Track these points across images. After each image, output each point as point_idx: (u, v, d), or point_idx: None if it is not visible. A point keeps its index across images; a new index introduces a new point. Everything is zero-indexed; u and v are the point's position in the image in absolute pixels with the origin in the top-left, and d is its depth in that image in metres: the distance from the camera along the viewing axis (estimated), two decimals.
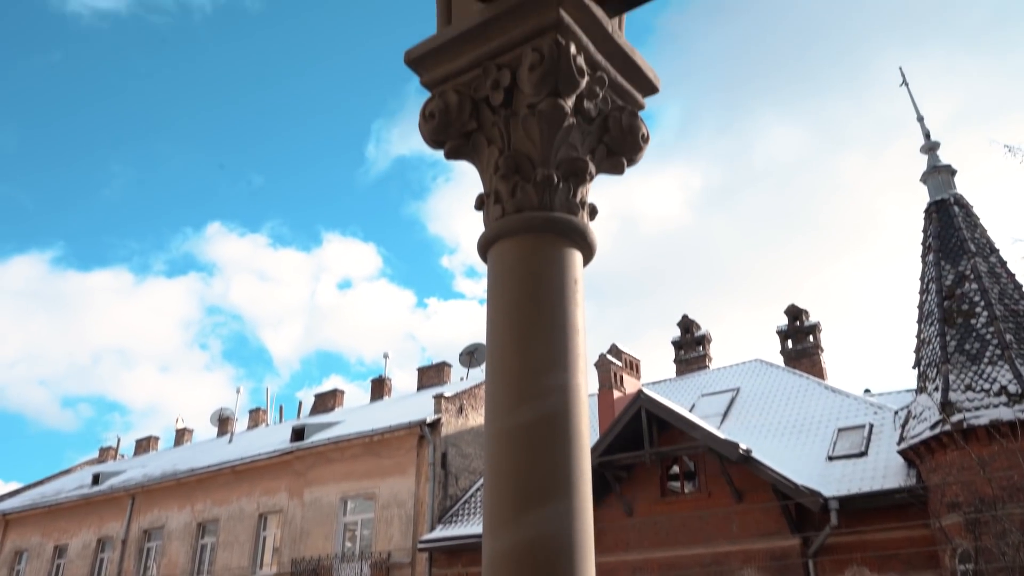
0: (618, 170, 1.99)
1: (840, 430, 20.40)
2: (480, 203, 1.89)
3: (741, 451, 17.82)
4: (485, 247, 1.82)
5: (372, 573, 22.56)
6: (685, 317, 30.05)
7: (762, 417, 22.81)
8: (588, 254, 1.82)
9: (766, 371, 25.95)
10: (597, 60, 1.90)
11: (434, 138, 1.94)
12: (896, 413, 19.72)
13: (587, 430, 1.61)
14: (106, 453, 44.03)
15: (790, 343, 27.57)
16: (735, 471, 18.39)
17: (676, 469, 20.32)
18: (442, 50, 1.94)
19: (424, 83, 1.99)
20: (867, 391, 26.12)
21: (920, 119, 19.96)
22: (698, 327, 30.03)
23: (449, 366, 33.41)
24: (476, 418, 25.52)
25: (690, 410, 22.58)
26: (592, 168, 1.88)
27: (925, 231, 18.65)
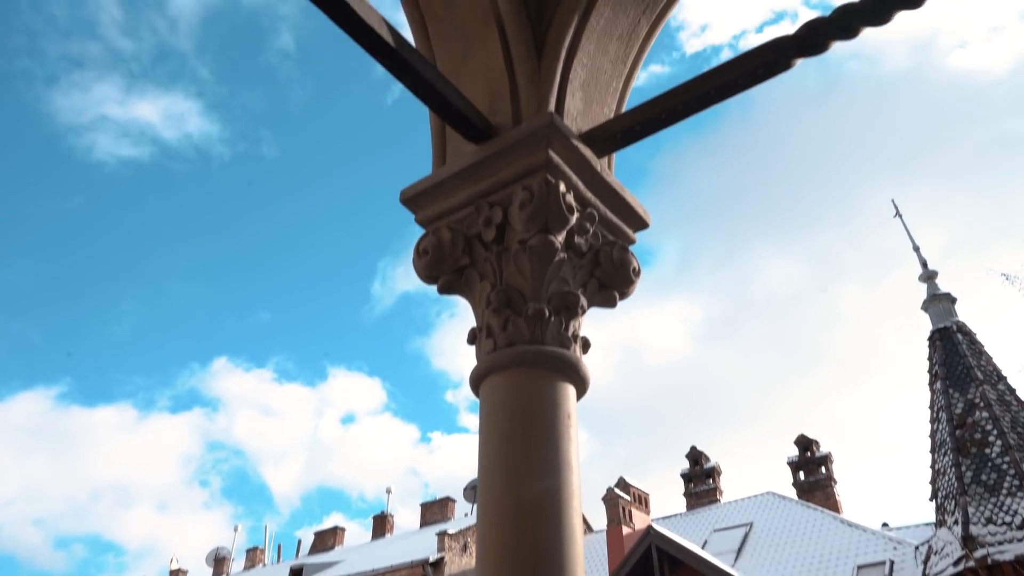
0: (610, 303, 1.99)
1: (860, 567, 19.53)
2: (472, 337, 1.88)
3: None
4: (477, 381, 1.79)
5: None
6: (694, 448, 29.45)
7: (778, 554, 21.89)
8: (581, 388, 1.79)
9: (779, 504, 25.14)
10: (587, 197, 1.95)
11: (428, 273, 1.96)
12: (917, 548, 18.93)
13: (581, 566, 1.53)
14: None
15: (802, 474, 26.86)
16: None
17: None
18: (436, 189, 1.99)
19: (418, 221, 2.03)
20: (885, 525, 25.20)
21: (916, 248, 20.30)
22: (707, 459, 29.38)
23: (453, 501, 32.45)
24: None
25: (702, 547, 21.72)
26: (584, 302, 1.88)
27: (931, 359, 18.56)
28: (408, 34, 2.17)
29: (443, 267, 1.91)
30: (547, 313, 1.77)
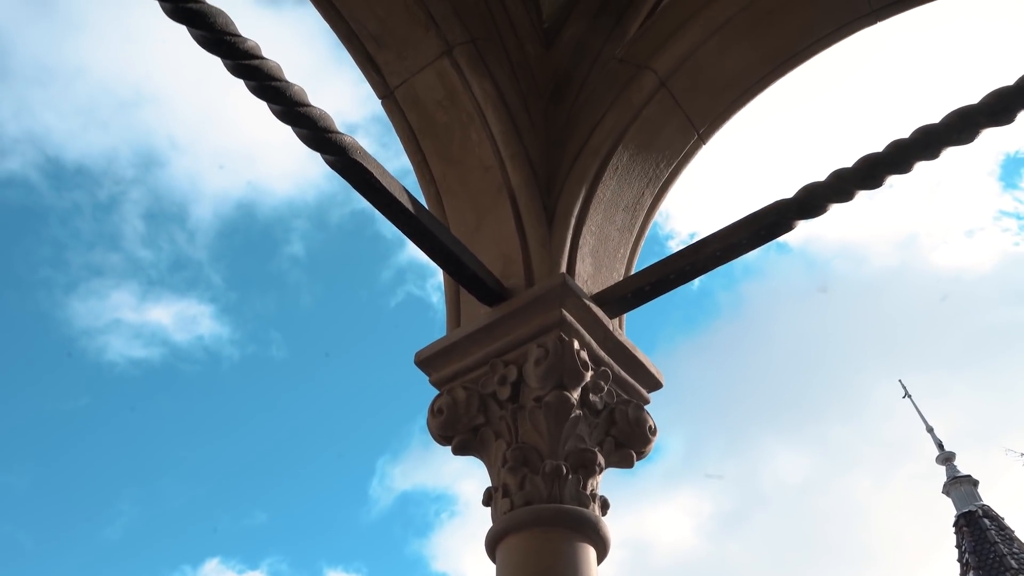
0: (627, 463, 1.94)
1: None
2: (488, 498, 1.82)
3: None
4: (493, 544, 1.72)
5: None
6: None
7: None
8: (602, 551, 1.71)
9: None
10: (600, 356, 1.96)
11: (442, 433, 1.94)
12: None
13: None
14: None
15: None
16: None
17: None
18: (451, 350, 2.01)
19: (433, 382, 2.04)
20: None
21: (930, 429, 19.91)
22: None
23: None
24: None
25: None
26: (601, 460, 1.84)
27: (959, 547, 17.67)
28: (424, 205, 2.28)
29: (458, 426, 1.89)
30: (564, 471, 1.72)
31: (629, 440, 1.92)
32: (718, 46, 2.29)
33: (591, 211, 2.15)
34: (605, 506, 1.81)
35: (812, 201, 1.74)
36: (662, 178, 2.36)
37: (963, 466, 19.17)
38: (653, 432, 1.95)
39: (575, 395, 1.83)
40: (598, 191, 2.17)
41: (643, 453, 1.96)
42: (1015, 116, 1.59)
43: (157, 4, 1.26)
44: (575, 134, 2.27)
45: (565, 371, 1.79)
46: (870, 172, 1.63)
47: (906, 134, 1.64)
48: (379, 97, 2.31)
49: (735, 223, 1.86)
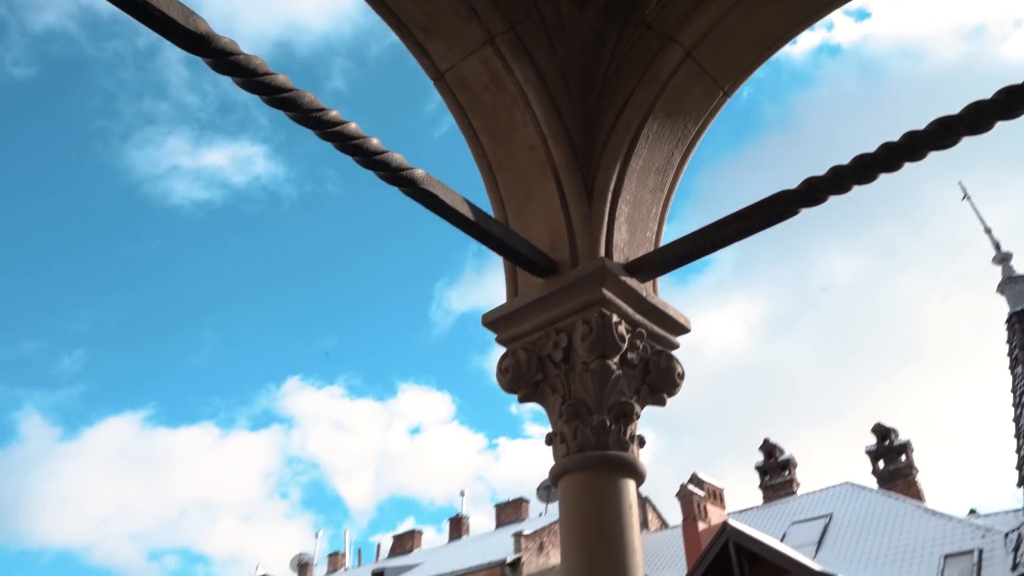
0: (660, 403, 2.36)
1: (947, 556, 19.19)
2: (549, 441, 2.28)
3: None
4: (556, 478, 2.20)
5: None
6: (767, 441, 29.24)
7: (860, 545, 21.64)
8: (640, 480, 2.18)
9: (859, 495, 24.79)
10: (636, 319, 2.32)
11: (509, 388, 2.37)
12: (1007, 536, 18.52)
13: None
14: None
15: (881, 464, 26.39)
16: None
17: None
18: (512, 316, 2.40)
19: (499, 341, 2.44)
20: (972, 512, 24.57)
21: (988, 230, 19.83)
22: (781, 451, 29.12)
23: (526, 502, 32.97)
24: (557, 556, 24.94)
25: (781, 539, 21.63)
26: (638, 409, 2.26)
27: (1010, 342, 18.15)
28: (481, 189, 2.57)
29: (521, 382, 2.32)
30: (608, 423, 2.15)
31: (661, 385, 2.33)
32: (742, 13, 2.41)
33: (625, 182, 2.42)
34: (642, 443, 2.25)
35: (812, 193, 1.99)
36: (689, 136, 2.57)
37: (1020, 267, 19.25)
38: (681, 377, 2.35)
39: (615, 359, 2.22)
40: (631, 162, 2.42)
41: (673, 393, 2.37)
42: None
43: None
44: (609, 107, 2.48)
45: (606, 344, 2.18)
46: (864, 170, 1.86)
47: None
48: (431, 79, 2.53)
49: (748, 208, 2.13)
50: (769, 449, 29.26)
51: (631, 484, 2.11)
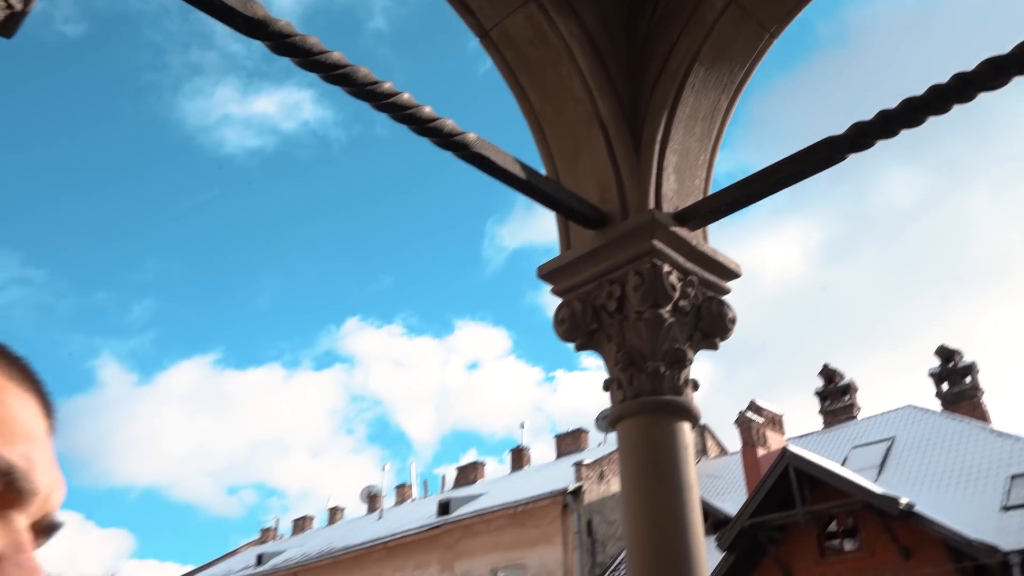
0: (713, 348, 2.42)
1: (1014, 477, 18.97)
2: (606, 386, 2.37)
3: (902, 506, 16.95)
4: (614, 422, 2.30)
5: None
6: (826, 367, 28.97)
7: (923, 467, 21.51)
8: (694, 422, 2.26)
9: (922, 417, 24.52)
10: (687, 268, 2.37)
11: (566, 337, 2.46)
12: None
13: (704, 559, 2.02)
14: (267, 534, 46.47)
15: (945, 386, 25.96)
16: (899, 527, 17.47)
17: (834, 526, 19.47)
18: (566, 268, 2.47)
19: (554, 292, 2.52)
20: None
21: None
22: (841, 376, 28.84)
23: (585, 432, 33.53)
24: (617, 484, 25.45)
25: (842, 464, 21.64)
26: (691, 355, 2.33)
27: None
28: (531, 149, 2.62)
29: (577, 332, 2.40)
30: (662, 369, 2.23)
31: (713, 331, 2.39)
32: None
33: (672, 132, 2.43)
34: (695, 386, 2.32)
35: (860, 138, 1.98)
36: (736, 81, 2.55)
37: None
38: (733, 322, 2.40)
39: (667, 308, 2.28)
40: (678, 111, 2.43)
41: (725, 338, 2.42)
42: None
43: None
44: (654, 56, 2.47)
45: (658, 294, 2.23)
46: (911, 114, 1.84)
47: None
48: (477, 36, 2.55)
49: (796, 154, 2.13)
50: (829, 374, 29.02)
51: (686, 426, 2.20)
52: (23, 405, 0.61)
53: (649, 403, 2.21)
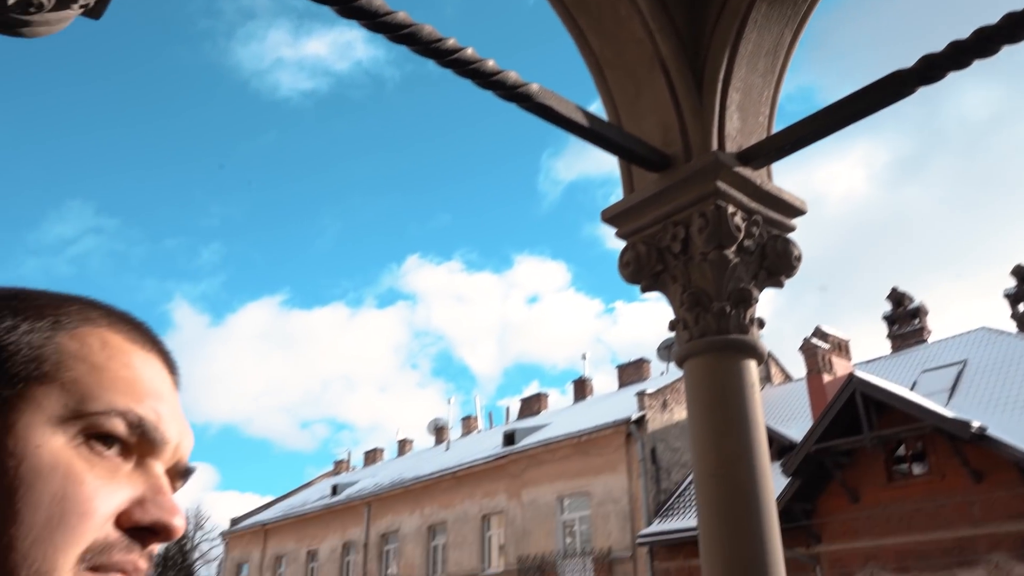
0: (778, 286, 2.43)
1: None
2: (672, 326, 2.41)
3: (974, 429, 16.70)
4: (680, 361, 2.35)
5: (595, 569, 23.36)
6: (895, 290, 28.27)
7: (997, 390, 21.03)
8: (760, 360, 2.30)
9: (995, 340, 23.84)
10: (751, 208, 2.37)
11: (631, 279, 2.50)
12: None
13: (772, 495, 2.09)
14: (340, 466, 48.46)
15: (1022, 307, 25.09)
16: (970, 451, 17.26)
17: (903, 451, 19.34)
18: (630, 211, 2.49)
19: (618, 235, 2.55)
20: None
21: None
22: (910, 299, 28.12)
23: (647, 362, 33.66)
24: (681, 412, 25.62)
25: (911, 388, 21.32)
26: (756, 294, 2.35)
27: None
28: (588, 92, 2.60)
29: (642, 274, 2.44)
30: (728, 309, 2.26)
31: (778, 269, 2.39)
32: None
33: (735, 69, 2.39)
34: (761, 324, 2.34)
35: (930, 71, 1.92)
36: (800, 13, 2.48)
37: None
38: (798, 259, 2.40)
39: (732, 248, 2.29)
40: (740, 48, 2.38)
41: (791, 276, 2.42)
42: None
43: None
44: None
45: (723, 235, 2.25)
46: (983, 44, 1.77)
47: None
48: None
49: (863, 89, 2.08)
50: (897, 298, 28.33)
51: (752, 364, 2.24)
52: (148, 365, 0.70)
53: (715, 342, 2.25)
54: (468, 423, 41.96)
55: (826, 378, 23.37)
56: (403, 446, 45.70)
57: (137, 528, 0.62)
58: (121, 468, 0.64)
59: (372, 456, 46.59)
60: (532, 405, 37.15)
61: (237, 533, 42.90)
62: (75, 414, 0.62)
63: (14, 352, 0.63)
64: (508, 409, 40.78)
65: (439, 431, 41.64)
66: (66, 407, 0.62)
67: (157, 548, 0.66)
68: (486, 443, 32.66)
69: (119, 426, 0.63)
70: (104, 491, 0.61)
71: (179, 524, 0.65)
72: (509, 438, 29.35)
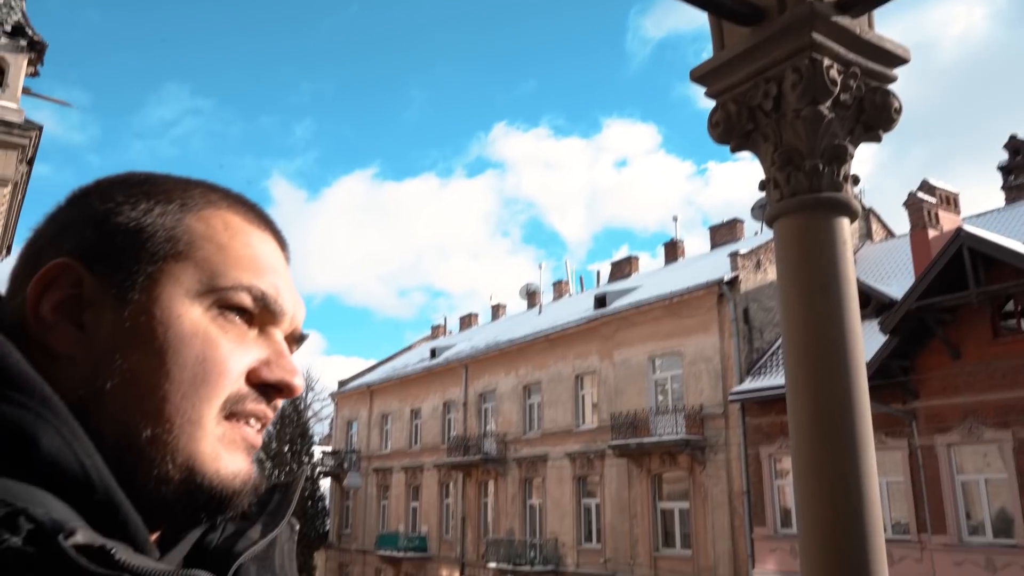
0: (876, 140, 2.34)
1: None
2: (763, 186, 2.37)
3: None
4: (771, 221, 2.33)
5: (687, 425, 24.03)
6: (1013, 138, 26.30)
7: None
8: (853, 217, 2.25)
9: None
10: (849, 59, 2.25)
11: (721, 139, 2.45)
12: None
13: (861, 352, 2.12)
14: (437, 331, 50.45)
15: None
16: None
17: (1011, 307, 18.63)
18: (719, 70, 2.41)
19: (708, 94, 2.48)
20: None
21: None
22: None
23: (741, 222, 32.93)
24: (774, 272, 25.22)
25: None
26: (851, 149, 2.27)
27: None
28: None
29: (732, 134, 2.39)
30: (821, 167, 2.20)
31: (876, 123, 2.29)
32: None
33: None
34: (856, 181, 2.27)
35: None
36: None
37: None
38: (898, 112, 2.28)
39: (827, 104, 2.20)
40: None
41: (889, 130, 2.31)
42: None
43: None
44: None
45: (817, 89, 2.15)
46: None
47: None
48: None
49: None
50: (1016, 146, 26.40)
51: (844, 222, 2.20)
52: (265, 243, 0.79)
53: (807, 201, 2.21)
54: (559, 288, 42.61)
55: (931, 233, 22.38)
56: (497, 311, 47.03)
57: (264, 384, 0.74)
58: (248, 334, 0.74)
59: (467, 321, 48.23)
60: (623, 268, 37.26)
61: (345, 394, 45.94)
62: (208, 289, 0.71)
63: (152, 233, 0.72)
64: (598, 273, 41.08)
65: (531, 296, 42.51)
66: (200, 282, 0.71)
67: (280, 403, 0.77)
68: (578, 306, 33.22)
69: (245, 299, 0.73)
70: (236, 353, 0.72)
71: (299, 383, 0.76)
72: (601, 301, 29.75)
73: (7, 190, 14.07)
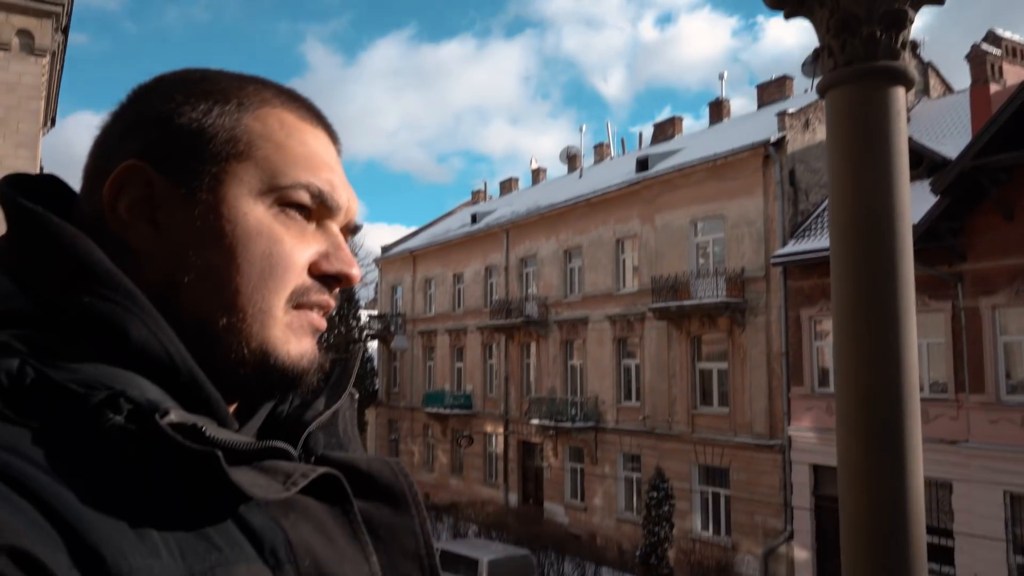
0: (939, 3, 2.23)
1: None
2: (816, 55, 2.31)
3: None
4: (823, 91, 2.29)
5: (727, 287, 24.14)
6: None
7: None
8: (909, 86, 2.20)
9: None
10: None
11: (773, 4, 2.37)
12: None
13: (908, 223, 2.14)
14: (477, 196, 50.40)
15: None
16: None
17: None
18: None
19: None
20: None
21: None
22: None
23: (791, 79, 31.56)
24: (823, 131, 24.38)
25: None
26: (912, 14, 2.18)
27: None
28: None
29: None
30: (878, 33, 2.13)
31: None
32: None
33: None
34: (914, 47, 2.21)
35: None
36: None
37: None
38: None
39: None
40: None
41: None
42: None
43: None
44: None
45: None
46: None
47: None
48: None
49: None
50: None
51: (900, 91, 2.16)
52: (319, 140, 0.83)
53: (862, 70, 2.16)
54: (600, 151, 41.89)
55: (993, 88, 21.23)
56: (537, 175, 46.64)
57: (324, 275, 0.79)
58: (307, 229, 0.79)
59: (507, 186, 48.00)
60: (665, 130, 36.33)
61: (388, 259, 46.80)
62: (269, 187, 0.76)
63: (214, 134, 0.75)
64: (641, 135, 40.16)
65: (572, 159, 41.94)
66: (261, 182, 0.76)
67: (338, 291, 0.85)
68: (619, 170, 32.76)
69: (304, 196, 0.78)
70: (298, 247, 0.77)
71: (356, 273, 0.83)
72: (642, 164, 29.28)
73: (45, 60, 14.06)
